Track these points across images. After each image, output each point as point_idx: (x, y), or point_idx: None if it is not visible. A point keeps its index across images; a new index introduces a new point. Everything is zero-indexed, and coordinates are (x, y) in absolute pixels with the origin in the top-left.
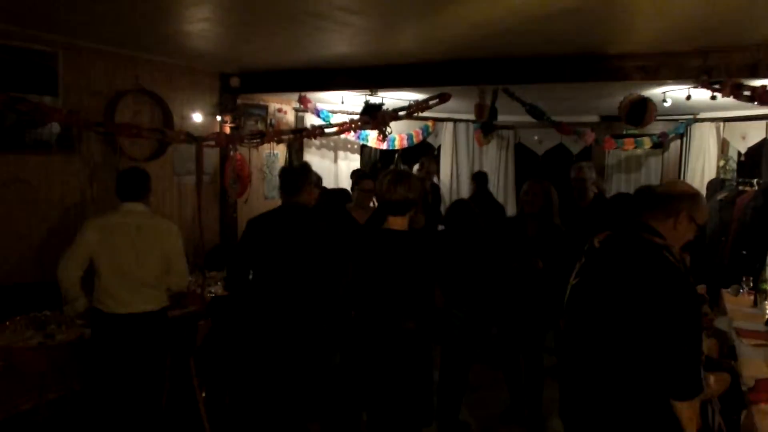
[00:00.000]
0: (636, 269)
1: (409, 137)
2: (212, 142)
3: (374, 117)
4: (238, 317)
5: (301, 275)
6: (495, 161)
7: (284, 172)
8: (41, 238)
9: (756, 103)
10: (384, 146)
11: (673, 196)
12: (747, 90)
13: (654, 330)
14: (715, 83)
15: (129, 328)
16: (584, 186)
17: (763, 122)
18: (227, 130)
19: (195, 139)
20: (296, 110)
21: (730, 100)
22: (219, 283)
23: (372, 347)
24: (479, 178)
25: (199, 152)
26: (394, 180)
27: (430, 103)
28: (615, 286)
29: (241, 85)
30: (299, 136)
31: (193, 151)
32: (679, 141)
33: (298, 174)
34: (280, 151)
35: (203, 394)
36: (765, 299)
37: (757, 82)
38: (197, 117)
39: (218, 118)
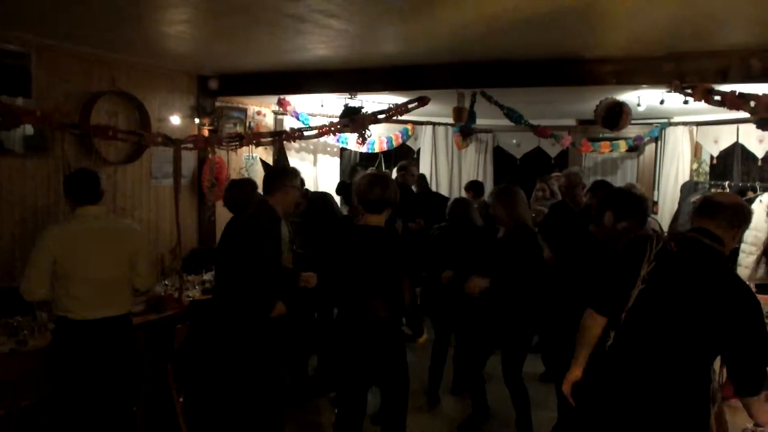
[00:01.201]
0: (712, 279)
1: (389, 140)
2: (190, 145)
3: (354, 120)
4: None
5: (265, 275)
6: (473, 164)
7: (265, 172)
8: (12, 243)
9: (726, 107)
10: (363, 149)
11: (744, 209)
12: (717, 95)
13: (731, 334)
14: (687, 88)
15: (94, 334)
16: (574, 192)
17: (734, 126)
18: (205, 132)
19: (172, 141)
20: (275, 113)
21: (703, 104)
22: (197, 286)
23: (351, 333)
24: (475, 188)
25: (176, 155)
26: (372, 182)
27: (410, 106)
28: (692, 292)
29: (220, 87)
30: (278, 139)
31: (171, 154)
32: (653, 144)
33: (272, 174)
34: (259, 154)
35: (181, 399)
36: None
37: (727, 88)
38: (175, 119)
39: (196, 120)
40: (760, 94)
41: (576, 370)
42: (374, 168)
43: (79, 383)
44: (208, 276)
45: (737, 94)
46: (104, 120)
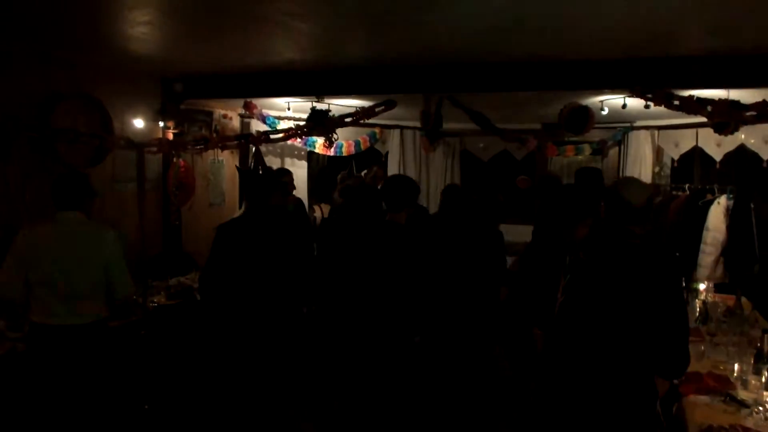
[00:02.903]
0: (627, 270)
1: (357, 144)
2: (154, 148)
3: (321, 123)
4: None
5: (276, 277)
6: (441, 168)
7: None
8: None
9: (685, 112)
10: (331, 153)
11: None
12: (676, 99)
13: (653, 312)
14: (648, 93)
15: (65, 341)
16: None
17: (694, 130)
18: (170, 136)
19: (135, 144)
20: (242, 116)
21: (663, 109)
22: (162, 292)
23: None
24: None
25: (140, 159)
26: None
27: (377, 110)
28: (610, 287)
29: (185, 90)
30: (244, 143)
31: (134, 158)
32: (617, 148)
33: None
34: (226, 158)
35: (146, 406)
36: (695, 298)
37: (686, 92)
38: (139, 122)
39: (161, 123)
40: (717, 99)
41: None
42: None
43: (52, 389)
44: (173, 281)
45: (695, 99)
46: (65, 123)
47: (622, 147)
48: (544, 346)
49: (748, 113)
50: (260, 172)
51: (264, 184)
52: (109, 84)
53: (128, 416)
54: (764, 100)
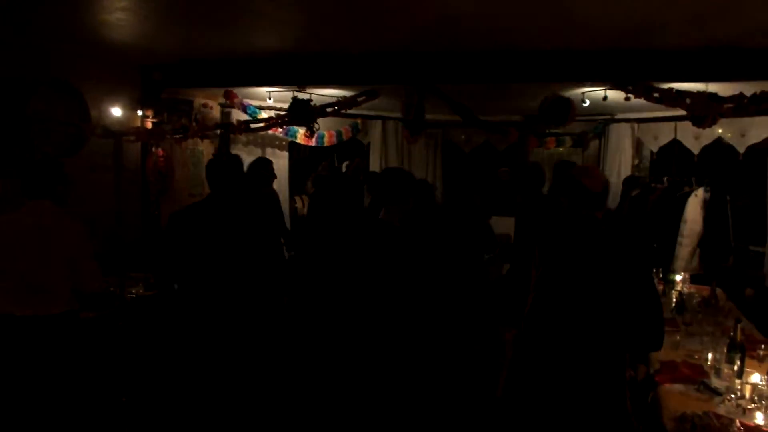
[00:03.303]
0: (597, 256)
1: (339, 134)
2: (132, 137)
3: (302, 113)
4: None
5: (230, 266)
6: (423, 159)
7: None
8: None
9: (664, 104)
10: (313, 143)
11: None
12: (656, 92)
13: (628, 295)
14: (629, 85)
15: (31, 332)
16: None
17: (673, 124)
18: (149, 125)
19: (113, 133)
20: (222, 106)
21: (643, 102)
22: (140, 283)
23: None
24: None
25: (118, 148)
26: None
27: (358, 99)
28: (582, 277)
29: (165, 78)
30: (224, 132)
31: (113, 147)
32: (597, 140)
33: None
34: (205, 147)
35: (123, 399)
36: (672, 289)
37: (665, 85)
38: (117, 111)
39: (139, 112)
40: (696, 92)
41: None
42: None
43: (19, 381)
44: (152, 272)
45: (674, 91)
46: (40, 112)
47: (603, 139)
48: (515, 345)
49: (725, 106)
50: (224, 160)
51: (222, 172)
52: (86, 72)
53: (105, 409)
54: (741, 93)
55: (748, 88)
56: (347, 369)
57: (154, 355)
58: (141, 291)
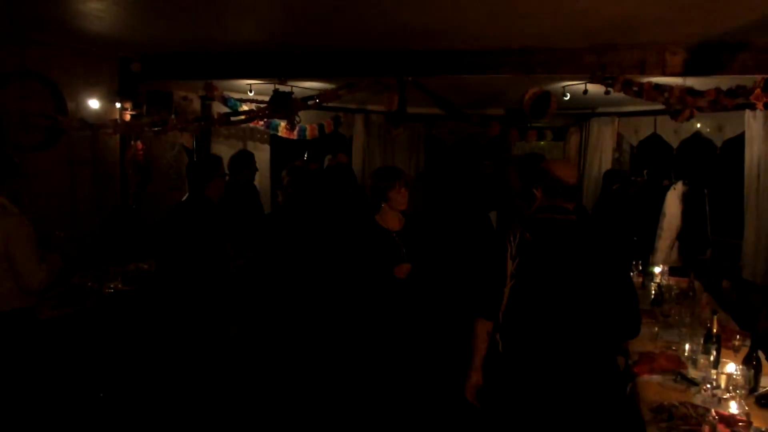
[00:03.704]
0: (574, 248)
1: (321, 127)
2: (110, 130)
3: (283, 106)
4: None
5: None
6: (406, 152)
7: (191, 165)
8: None
9: (644, 98)
10: (294, 136)
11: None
12: (635, 86)
13: (606, 286)
14: (608, 79)
15: None
16: None
17: (653, 117)
18: (127, 117)
19: (89, 126)
20: (203, 98)
21: (624, 96)
22: (119, 277)
23: None
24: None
25: (96, 141)
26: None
27: (339, 92)
28: (560, 268)
29: (144, 70)
30: (204, 125)
31: (91, 140)
32: (578, 134)
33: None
34: (186, 141)
35: (101, 394)
36: (651, 281)
37: (644, 79)
38: (94, 103)
39: (117, 105)
40: (673, 86)
41: (475, 376)
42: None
43: None
44: (131, 266)
45: (653, 85)
46: (14, 104)
47: (584, 133)
48: (492, 338)
49: (702, 99)
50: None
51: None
52: (63, 64)
53: (82, 404)
54: (717, 88)
55: (725, 83)
56: (335, 365)
57: (132, 350)
58: (119, 286)
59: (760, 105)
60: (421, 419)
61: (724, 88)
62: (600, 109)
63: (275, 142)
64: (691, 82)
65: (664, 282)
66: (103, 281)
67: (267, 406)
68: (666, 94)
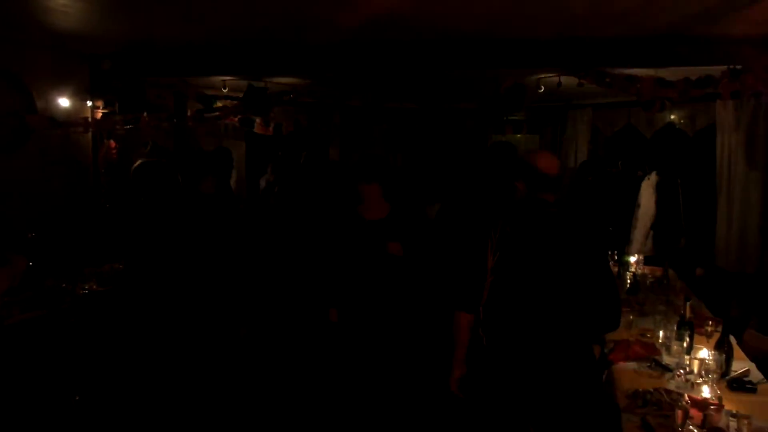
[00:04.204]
0: (554, 240)
1: (296, 122)
2: (80, 128)
3: (257, 102)
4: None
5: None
6: (385, 146)
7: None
8: None
9: (616, 89)
10: (270, 132)
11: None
12: (608, 77)
13: (586, 275)
14: (581, 71)
15: None
16: None
17: (627, 109)
18: (99, 115)
19: (59, 124)
20: (176, 95)
21: (597, 88)
22: (93, 278)
23: None
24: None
25: (68, 140)
26: None
27: (314, 88)
28: (540, 260)
29: (115, 67)
30: (177, 122)
31: (62, 139)
32: (554, 126)
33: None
34: (160, 139)
35: (76, 397)
36: (626, 270)
37: (617, 71)
38: (65, 102)
39: (89, 103)
40: (644, 77)
41: (459, 367)
42: None
43: None
44: (106, 267)
45: (624, 77)
46: None
47: (559, 125)
48: (473, 330)
49: (672, 90)
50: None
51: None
52: (31, 61)
53: (56, 408)
54: (687, 78)
55: (695, 74)
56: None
57: (109, 351)
58: (94, 286)
59: (726, 95)
60: (408, 410)
61: (693, 78)
62: (575, 101)
63: (250, 137)
64: (662, 73)
65: (639, 271)
66: (77, 282)
67: (267, 406)
68: (638, 86)
